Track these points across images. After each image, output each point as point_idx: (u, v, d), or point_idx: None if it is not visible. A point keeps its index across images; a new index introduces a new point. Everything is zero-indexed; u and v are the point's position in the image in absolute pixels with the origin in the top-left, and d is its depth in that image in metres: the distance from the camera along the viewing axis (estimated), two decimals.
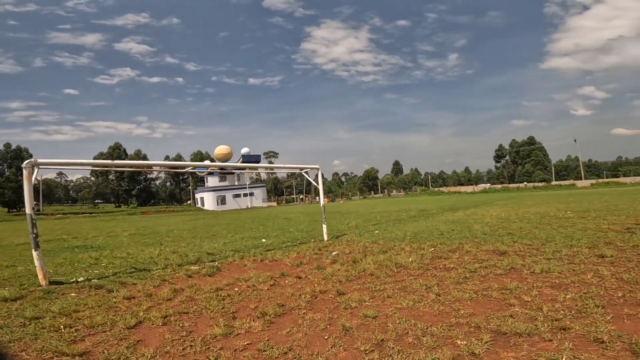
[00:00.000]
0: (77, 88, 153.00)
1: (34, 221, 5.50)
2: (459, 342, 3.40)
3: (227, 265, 7.54)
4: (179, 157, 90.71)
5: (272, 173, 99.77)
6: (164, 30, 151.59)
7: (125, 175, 78.92)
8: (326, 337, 3.71)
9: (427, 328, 3.77)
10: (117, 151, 79.16)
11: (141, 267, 7.44)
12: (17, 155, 65.56)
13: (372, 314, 4.25)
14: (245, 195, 60.67)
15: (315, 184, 11.65)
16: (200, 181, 76.63)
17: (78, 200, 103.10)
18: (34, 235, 5.52)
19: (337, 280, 5.98)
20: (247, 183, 62.88)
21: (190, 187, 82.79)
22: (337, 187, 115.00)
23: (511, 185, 70.28)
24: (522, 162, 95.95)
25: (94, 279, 6.06)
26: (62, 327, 3.56)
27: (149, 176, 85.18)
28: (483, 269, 6.04)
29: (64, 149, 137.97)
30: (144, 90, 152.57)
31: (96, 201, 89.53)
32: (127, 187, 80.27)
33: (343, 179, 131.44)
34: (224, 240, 11.66)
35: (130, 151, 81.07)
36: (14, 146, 67.17)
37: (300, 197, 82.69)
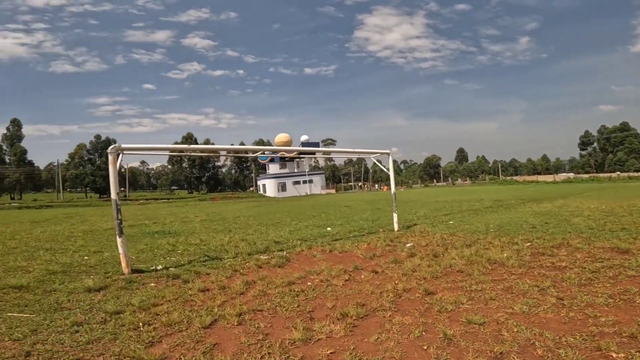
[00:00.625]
0: (153, 83, 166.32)
1: (118, 207, 5.63)
2: (614, 354, 2.74)
3: (295, 256, 7.22)
4: (242, 145, 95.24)
5: (330, 160, 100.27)
6: (223, 25, 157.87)
7: (196, 163, 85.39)
8: (425, 348, 3.11)
9: (559, 338, 3.08)
10: (189, 140, 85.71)
11: (213, 255, 7.45)
12: (106, 146, 74.24)
13: (479, 320, 3.55)
14: (304, 182, 61.47)
15: (386, 170, 10.85)
16: (262, 168, 79.68)
17: (157, 187, 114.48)
18: (118, 222, 5.67)
19: (420, 277, 5.29)
20: (306, 170, 63.61)
21: (252, 174, 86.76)
22: (396, 174, 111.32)
23: (601, 175, 61.24)
24: (614, 150, 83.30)
25: (171, 267, 6.11)
26: (141, 324, 3.43)
27: (217, 164, 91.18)
28: (608, 269, 5.10)
29: (145, 139, 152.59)
30: (209, 83, 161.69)
31: (172, 187, 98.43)
32: (198, 175, 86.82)
33: (402, 166, 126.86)
34: (289, 228, 11.50)
35: (200, 140, 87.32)
36: (103, 138, 76.06)
37: (359, 184, 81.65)
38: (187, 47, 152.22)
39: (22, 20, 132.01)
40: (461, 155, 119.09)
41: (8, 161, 66.47)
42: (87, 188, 73.53)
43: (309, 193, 58.73)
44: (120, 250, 5.57)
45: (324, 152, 8.84)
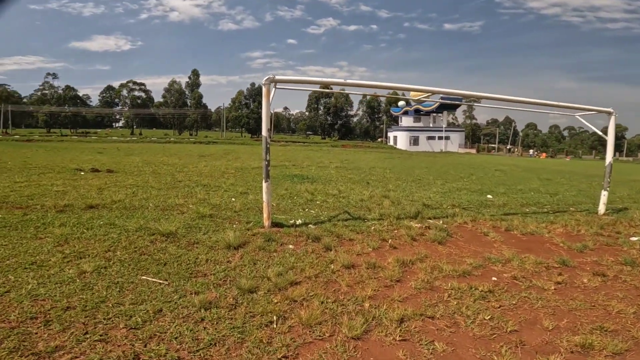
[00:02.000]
0: (295, 38, 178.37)
1: (268, 145, 5.02)
2: None
3: (457, 229, 5.57)
4: (375, 97, 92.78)
5: (471, 118, 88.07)
6: None
7: (331, 111, 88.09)
8: None
9: None
10: (325, 89, 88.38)
11: (354, 211, 6.49)
12: (259, 93, 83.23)
13: None
14: (440, 138, 56.15)
15: (600, 133, 7.54)
16: (393, 120, 76.35)
17: (295, 131, 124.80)
18: (266, 163, 5.09)
19: None
20: (444, 126, 57.57)
21: (383, 126, 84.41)
22: (556, 142, 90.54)
23: None
24: None
25: (310, 223, 5.37)
26: (275, 318, 2.58)
27: (350, 113, 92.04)
28: None
29: (289, 90, 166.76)
30: (343, 37, 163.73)
31: (307, 132, 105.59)
32: (331, 122, 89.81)
33: (565, 133, 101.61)
34: (436, 189, 9.69)
35: (335, 89, 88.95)
36: (256, 85, 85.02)
37: (508, 147, 69.48)
38: (323, 3, 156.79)
39: None
40: None
41: (189, 104, 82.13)
42: (243, 128, 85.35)
43: (444, 150, 53.59)
44: (265, 197, 5.01)
45: (520, 102, 6.47)
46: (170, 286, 3.03)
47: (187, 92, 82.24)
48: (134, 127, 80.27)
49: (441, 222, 5.92)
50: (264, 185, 5.06)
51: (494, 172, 16.79)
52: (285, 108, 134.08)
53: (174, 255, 3.76)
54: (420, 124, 58.54)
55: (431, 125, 58.35)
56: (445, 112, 58.38)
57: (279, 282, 3.21)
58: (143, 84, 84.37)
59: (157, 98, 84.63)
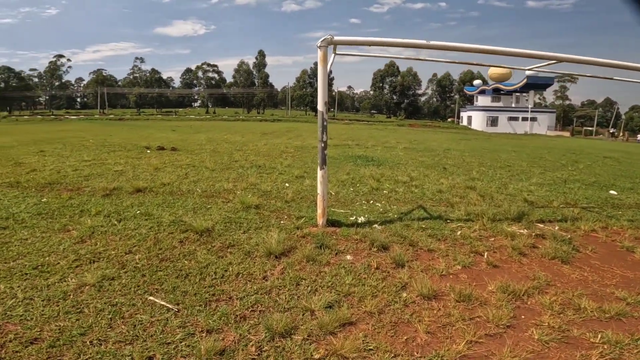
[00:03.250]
0: (358, 17, 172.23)
1: (325, 123, 3.96)
2: None
3: (584, 240, 4.00)
4: (447, 75, 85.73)
5: (564, 99, 76.29)
6: None
7: (397, 90, 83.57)
8: None
9: None
10: (392, 68, 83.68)
11: (432, 208, 5.20)
12: None
13: None
14: (525, 119, 49.52)
15: None
16: (467, 100, 69.65)
17: (359, 110, 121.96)
18: (322, 145, 3.92)
19: None
20: (530, 106, 50.53)
21: (455, 105, 77.61)
22: None
23: None
24: None
25: (376, 222, 4.26)
26: None
27: (417, 92, 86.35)
28: None
29: (352, 68, 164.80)
30: (408, 15, 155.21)
31: (372, 111, 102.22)
32: (397, 100, 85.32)
33: None
34: (535, 179, 7.77)
35: (402, 69, 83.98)
36: None
37: (610, 131, 58.61)
38: None
39: None
40: None
41: (256, 84, 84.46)
42: (307, 107, 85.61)
43: (528, 132, 47.28)
44: (319, 189, 4.00)
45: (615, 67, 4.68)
46: (179, 315, 2.22)
47: (254, 73, 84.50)
48: (209, 106, 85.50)
49: (557, 227, 4.35)
50: (319, 173, 4.02)
51: (604, 160, 13.63)
52: (349, 87, 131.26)
53: (200, 263, 2.98)
54: (500, 104, 52.48)
55: (513, 105, 51.87)
56: (532, 92, 51.28)
57: (325, 320, 2.20)
58: (215, 66, 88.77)
59: (229, 79, 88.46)
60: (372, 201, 5.32)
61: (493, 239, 3.95)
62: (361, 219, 4.36)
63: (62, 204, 4.52)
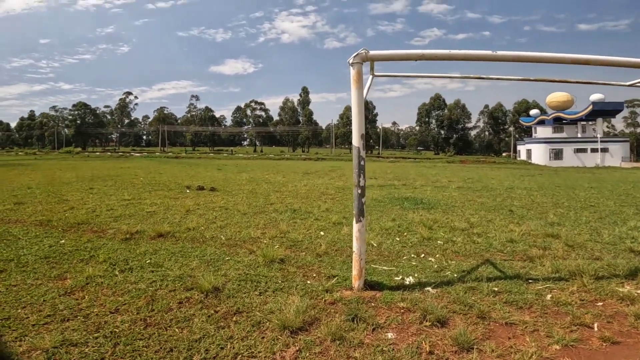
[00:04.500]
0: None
1: (362, 162, 3.20)
2: None
3: None
4: (499, 106, 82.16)
5: (637, 125, 68.60)
6: None
7: (444, 124, 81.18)
8: None
9: None
10: (437, 101, 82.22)
11: (503, 261, 4.06)
12: (365, 107, 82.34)
13: None
14: (594, 150, 44.63)
15: None
16: (523, 132, 65.42)
17: (405, 147, 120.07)
18: (358, 192, 3.14)
19: None
20: (599, 136, 45.65)
21: (510, 138, 73.01)
22: None
23: None
24: None
25: (429, 284, 3.29)
26: None
27: (467, 125, 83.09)
28: None
29: (395, 103, 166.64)
30: (451, 47, 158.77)
31: (418, 148, 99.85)
32: (446, 135, 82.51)
33: None
34: (633, 222, 6.16)
35: (448, 101, 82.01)
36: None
37: None
38: (424, 14, 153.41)
39: (299, 4, 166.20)
40: None
41: (301, 121, 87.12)
42: (351, 144, 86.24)
43: (600, 164, 42.39)
44: (355, 247, 3.14)
45: None
46: None
47: (299, 110, 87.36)
48: (257, 144, 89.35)
49: None
50: (356, 227, 3.16)
51: None
52: (394, 123, 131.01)
53: (193, 334, 2.31)
54: (564, 135, 48.28)
55: (579, 135, 47.37)
56: (599, 120, 46.63)
57: None
58: (262, 103, 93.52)
59: (275, 117, 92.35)
60: (423, 255, 4.31)
61: (601, 303, 2.80)
62: (409, 280, 3.40)
63: (76, 247, 4.20)
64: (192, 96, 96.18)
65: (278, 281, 3.31)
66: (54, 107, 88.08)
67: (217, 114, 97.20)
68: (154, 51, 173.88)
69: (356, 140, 3.25)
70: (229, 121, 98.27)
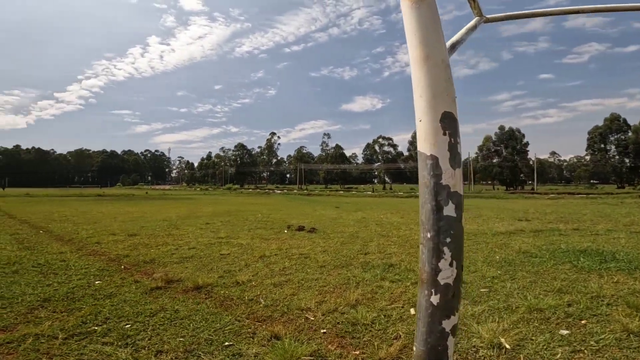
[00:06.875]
0: (549, 72, 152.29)
1: (437, 186, 1.41)
2: None
3: None
4: None
5: None
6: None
7: (629, 150, 61.72)
8: None
9: None
10: (615, 122, 64.06)
11: None
12: (510, 136, 70.47)
13: None
14: None
15: None
16: None
17: (571, 180, 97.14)
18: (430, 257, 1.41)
19: None
20: None
21: None
22: None
23: None
24: None
25: None
26: None
27: None
28: None
29: (554, 129, 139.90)
30: (618, 60, 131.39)
31: (592, 181, 78.85)
32: (632, 164, 62.22)
33: None
34: None
35: (631, 121, 62.48)
36: (506, 128, 73.00)
37: None
38: (573, 30, 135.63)
39: None
40: None
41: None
42: (494, 180, 74.54)
43: None
44: None
45: None
46: None
47: (410, 147, 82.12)
48: (386, 181, 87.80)
49: None
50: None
51: None
52: (553, 153, 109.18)
53: None
54: None
55: None
56: None
57: None
58: (390, 139, 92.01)
59: (405, 152, 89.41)
60: None
61: None
62: None
63: (97, 291, 3.47)
64: (325, 134, 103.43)
65: None
66: (222, 148, 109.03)
67: (349, 152, 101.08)
68: (293, 93, 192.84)
69: (422, 136, 1.37)
70: (359, 159, 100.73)
